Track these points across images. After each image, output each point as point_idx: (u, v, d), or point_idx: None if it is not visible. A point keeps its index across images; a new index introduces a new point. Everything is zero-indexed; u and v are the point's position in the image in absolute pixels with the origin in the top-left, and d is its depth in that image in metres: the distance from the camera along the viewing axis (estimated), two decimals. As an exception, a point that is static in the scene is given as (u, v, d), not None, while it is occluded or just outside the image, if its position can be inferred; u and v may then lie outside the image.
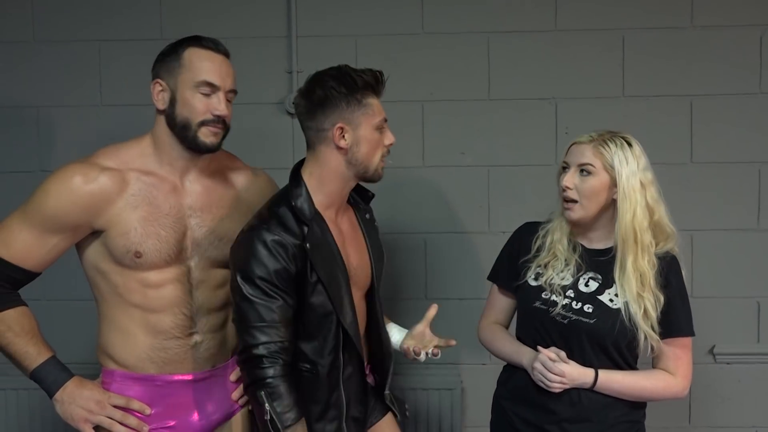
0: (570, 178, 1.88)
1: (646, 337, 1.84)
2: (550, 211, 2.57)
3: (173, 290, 1.85)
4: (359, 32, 2.60)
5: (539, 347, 1.87)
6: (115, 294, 1.84)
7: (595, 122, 2.53)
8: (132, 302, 1.83)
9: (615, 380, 1.87)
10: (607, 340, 1.86)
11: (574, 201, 1.88)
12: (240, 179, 2.01)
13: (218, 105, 1.81)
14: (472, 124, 2.60)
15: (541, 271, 1.97)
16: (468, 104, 2.60)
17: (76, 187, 1.76)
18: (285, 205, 1.80)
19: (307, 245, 1.76)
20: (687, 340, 1.92)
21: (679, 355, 1.90)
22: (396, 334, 2.04)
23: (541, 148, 2.60)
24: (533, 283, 1.98)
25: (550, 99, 2.59)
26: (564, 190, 1.89)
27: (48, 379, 1.79)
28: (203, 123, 1.81)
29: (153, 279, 1.83)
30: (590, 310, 1.88)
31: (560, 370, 1.83)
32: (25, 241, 1.77)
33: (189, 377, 1.89)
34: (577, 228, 1.97)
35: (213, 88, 1.81)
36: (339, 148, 1.79)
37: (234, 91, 1.88)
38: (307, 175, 1.84)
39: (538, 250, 2.00)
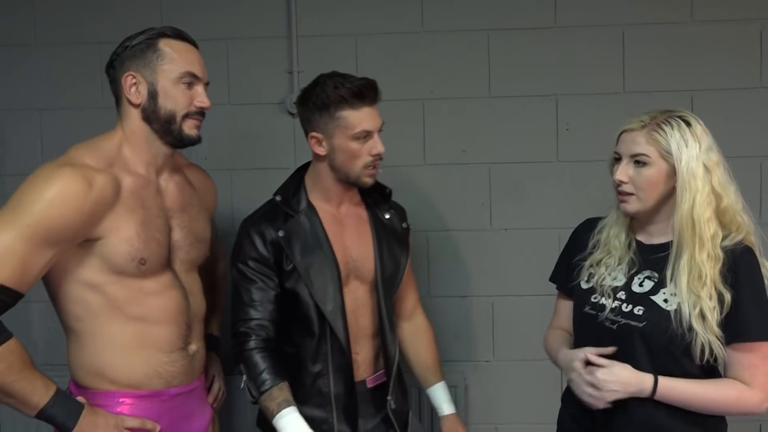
0: (623, 171, 1.70)
1: (704, 344, 1.61)
2: (551, 207, 2.60)
3: (172, 298, 1.79)
4: (359, 31, 2.60)
5: (574, 351, 1.72)
6: (113, 308, 1.71)
7: (596, 118, 2.55)
8: (133, 315, 1.73)
9: (677, 388, 1.64)
10: (660, 346, 1.65)
11: (630, 194, 1.70)
12: (195, 177, 1.99)
13: (203, 97, 1.79)
14: (472, 122, 2.60)
15: (593, 271, 1.81)
16: (468, 102, 2.60)
17: (81, 194, 1.60)
18: (275, 198, 1.98)
19: (280, 234, 1.90)
20: (764, 346, 1.63)
21: (753, 362, 1.62)
22: (445, 403, 2.17)
23: (542, 144, 2.59)
24: (585, 286, 1.82)
25: (551, 95, 2.59)
26: (619, 185, 1.72)
27: (62, 413, 1.62)
28: (187, 115, 1.77)
29: (152, 287, 1.75)
30: (640, 312, 1.68)
31: (601, 379, 1.64)
32: (22, 258, 1.55)
33: (188, 388, 1.85)
34: (635, 221, 1.79)
35: (195, 79, 1.78)
36: (318, 154, 1.93)
37: (208, 82, 1.85)
38: (308, 173, 2.01)
39: (594, 247, 1.84)
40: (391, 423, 2.01)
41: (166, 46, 1.75)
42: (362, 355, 1.99)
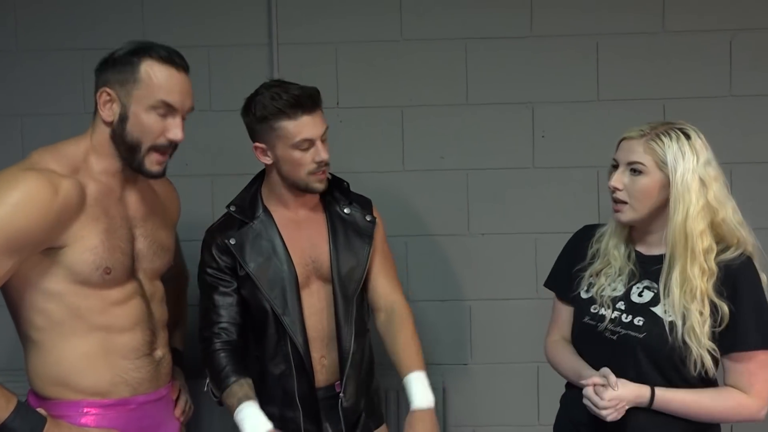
0: (619, 178, 1.72)
1: (696, 357, 1.64)
2: (528, 213, 2.64)
3: (135, 306, 1.75)
4: (339, 39, 2.63)
5: (582, 381, 1.70)
6: (76, 318, 1.65)
7: (571, 126, 2.60)
8: (97, 324, 1.67)
9: (674, 399, 1.66)
10: (661, 356, 1.67)
11: (624, 202, 1.72)
12: (159, 186, 1.94)
13: (176, 131, 1.69)
14: (450, 129, 2.64)
15: (593, 281, 1.81)
16: (446, 109, 2.64)
17: (47, 200, 1.54)
18: (229, 209, 2.02)
19: (231, 241, 1.95)
20: (762, 354, 1.66)
21: (752, 371, 1.66)
22: (415, 395, 1.94)
23: (518, 151, 2.64)
24: (584, 296, 1.83)
25: (527, 103, 2.63)
26: (613, 191, 1.73)
27: (24, 426, 1.55)
28: (154, 147, 1.69)
29: (116, 296, 1.70)
30: (640, 323, 1.70)
31: (610, 396, 1.63)
32: None
33: (155, 396, 1.81)
34: (634, 231, 1.80)
35: (171, 110, 1.68)
36: (266, 164, 1.96)
37: (192, 109, 1.76)
38: (264, 181, 2.04)
39: (593, 257, 1.84)
40: (372, 418, 2.04)
41: (148, 69, 1.65)
42: (330, 359, 1.99)
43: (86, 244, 1.62)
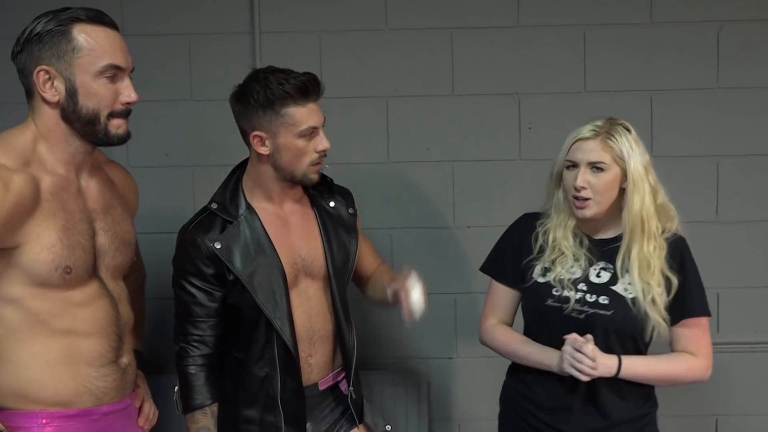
0: (584, 178, 1.81)
1: (655, 326, 1.81)
2: (514, 205, 2.60)
3: (101, 308, 1.64)
4: (323, 28, 2.60)
5: (566, 336, 1.80)
6: (35, 323, 1.55)
7: (557, 117, 2.58)
8: (59, 329, 1.57)
9: (638, 365, 1.82)
10: (628, 331, 1.83)
11: (588, 199, 1.83)
12: (116, 175, 1.83)
13: (129, 92, 1.59)
14: (436, 120, 2.62)
15: (549, 266, 1.91)
16: (432, 100, 2.61)
17: None
18: (210, 206, 1.91)
19: (217, 245, 1.84)
20: (704, 320, 1.88)
21: (698, 335, 1.86)
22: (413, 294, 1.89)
23: (505, 142, 2.62)
24: (542, 280, 1.91)
25: (514, 94, 2.61)
26: (578, 191, 1.82)
27: None
28: (111, 114, 1.59)
29: (79, 297, 1.59)
30: (606, 302, 1.84)
31: (591, 350, 1.75)
32: None
33: (119, 406, 1.71)
34: (584, 222, 1.91)
35: (119, 71, 1.58)
36: (260, 154, 1.85)
37: (133, 69, 1.65)
38: (246, 174, 1.94)
39: (541, 249, 1.94)
40: (350, 415, 2.01)
41: (82, 33, 1.54)
42: (317, 357, 1.95)
43: (43, 243, 1.52)
